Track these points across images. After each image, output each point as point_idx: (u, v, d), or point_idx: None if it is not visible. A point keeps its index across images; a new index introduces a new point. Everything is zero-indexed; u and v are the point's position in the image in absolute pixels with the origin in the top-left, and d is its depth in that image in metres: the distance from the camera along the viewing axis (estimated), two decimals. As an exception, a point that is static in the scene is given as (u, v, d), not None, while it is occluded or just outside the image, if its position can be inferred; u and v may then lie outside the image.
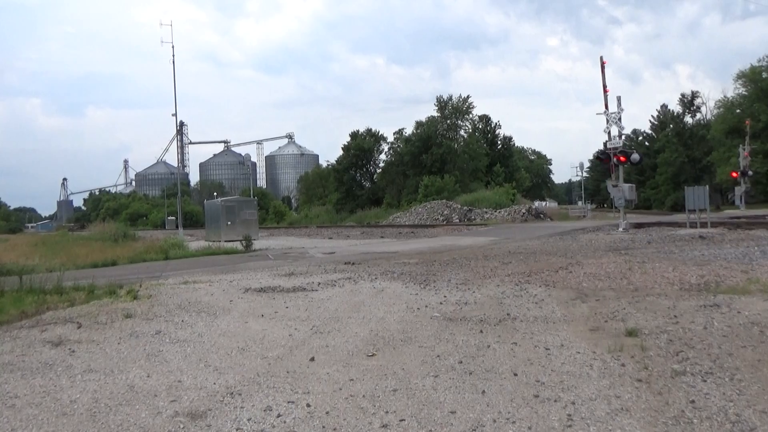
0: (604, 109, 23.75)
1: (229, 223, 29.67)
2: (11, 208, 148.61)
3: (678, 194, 56.26)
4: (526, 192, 70.71)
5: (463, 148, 61.55)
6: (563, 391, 4.33)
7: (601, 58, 24.13)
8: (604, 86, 23.65)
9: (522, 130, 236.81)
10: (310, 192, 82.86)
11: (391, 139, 68.38)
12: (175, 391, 4.66)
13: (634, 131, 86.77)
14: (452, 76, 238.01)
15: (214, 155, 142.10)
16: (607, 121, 23.55)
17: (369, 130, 70.67)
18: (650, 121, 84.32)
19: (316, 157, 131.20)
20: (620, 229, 22.54)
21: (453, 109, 63.51)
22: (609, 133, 23.59)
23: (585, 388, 4.35)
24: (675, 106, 78.19)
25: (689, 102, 75.20)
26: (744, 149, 39.88)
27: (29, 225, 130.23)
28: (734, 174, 39.40)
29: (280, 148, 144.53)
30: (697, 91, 77.32)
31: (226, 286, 10.61)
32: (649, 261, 11.53)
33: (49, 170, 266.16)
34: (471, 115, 65.92)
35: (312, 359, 5.45)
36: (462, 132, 65.00)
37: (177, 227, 42.21)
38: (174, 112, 34.11)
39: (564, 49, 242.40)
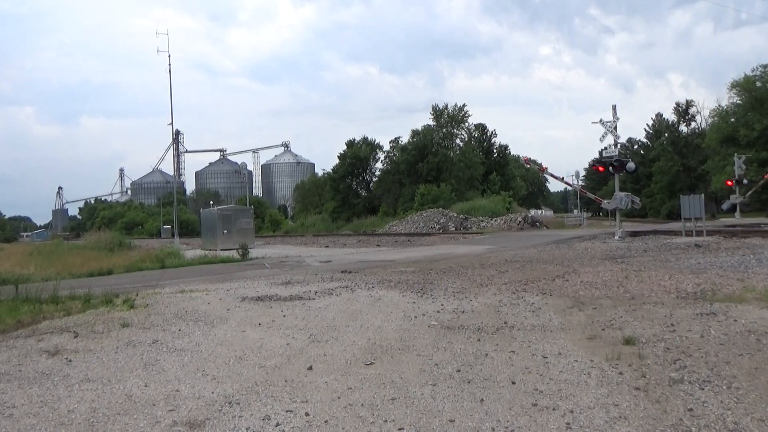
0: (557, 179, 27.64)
1: (225, 231, 29.66)
2: (6, 217, 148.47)
3: (673, 202, 56.56)
4: (522, 200, 70.78)
5: (458, 157, 61.66)
6: (561, 399, 4.34)
7: (530, 160, 27.52)
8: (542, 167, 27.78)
9: (517, 138, 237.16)
10: (306, 200, 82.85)
11: (387, 147, 68.57)
12: (173, 400, 4.65)
13: (629, 140, 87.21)
14: (446, 84, 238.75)
15: (210, 164, 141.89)
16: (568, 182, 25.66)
17: (365, 139, 70.79)
18: (645, 130, 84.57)
19: (312, 165, 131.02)
20: (616, 238, 22.62)
21: (448, 118, 63.66)
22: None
23: (583, 397, 4.36)
24: (670, 115, 78.53)
25: (684, 111, 75.53)
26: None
27: (24, 234, 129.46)
28: (729, 182, 39.47)
29: (276, 156, 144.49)
30: (692, 100, 77.43)
31: (222, 295, 10.58)
32: (645, 269, 11.57)
33: (44, 179, 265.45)
34: (466, 124, 66.25)
35: (310, 368, 5.45)
36: (458, 141, 65.26)
37: (173, 236, 42.12)
38: (170, 121, 34.13)
39: (557, 58, 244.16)
